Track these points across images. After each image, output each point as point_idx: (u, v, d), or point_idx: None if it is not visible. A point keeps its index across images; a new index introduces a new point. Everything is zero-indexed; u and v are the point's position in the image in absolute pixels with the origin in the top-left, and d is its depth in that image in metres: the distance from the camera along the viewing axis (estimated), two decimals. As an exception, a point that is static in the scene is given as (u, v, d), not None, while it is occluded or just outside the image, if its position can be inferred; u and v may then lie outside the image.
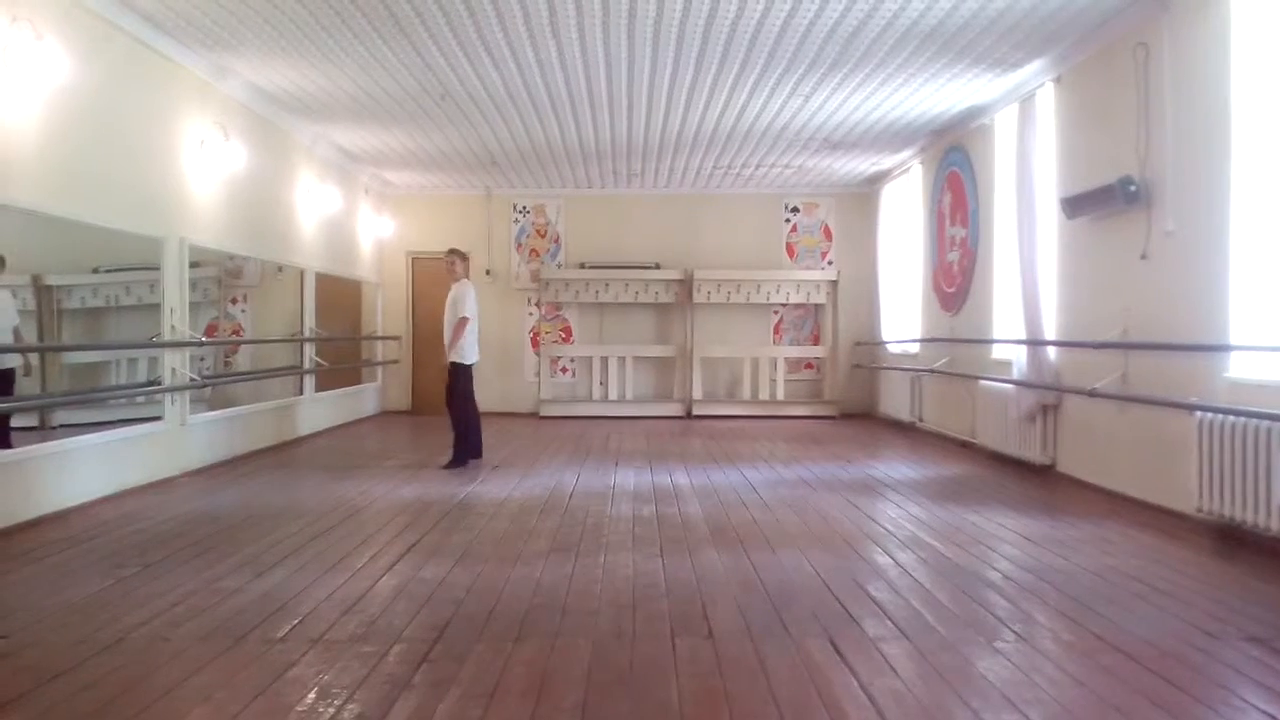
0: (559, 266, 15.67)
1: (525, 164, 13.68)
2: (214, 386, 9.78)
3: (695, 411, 15.06)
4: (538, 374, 15.64)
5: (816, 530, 6.50)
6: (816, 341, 15.72)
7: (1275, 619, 4.46)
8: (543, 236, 15.82)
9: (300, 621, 4.41)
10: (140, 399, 8.59)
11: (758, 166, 13.77)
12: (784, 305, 15.65)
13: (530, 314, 15.82)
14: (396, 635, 4.21)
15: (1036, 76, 8.95)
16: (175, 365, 8.59)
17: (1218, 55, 6.43)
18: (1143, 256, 7.29)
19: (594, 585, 5.07)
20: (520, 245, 15.78)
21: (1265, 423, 5.65)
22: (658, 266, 15.45)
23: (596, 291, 15.37)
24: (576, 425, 13.69)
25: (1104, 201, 7.62)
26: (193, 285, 8.93)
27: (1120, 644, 4.07)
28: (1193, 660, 3.91)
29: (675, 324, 15.59)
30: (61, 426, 7.51)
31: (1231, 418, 5.98)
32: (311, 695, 3.53)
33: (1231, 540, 5.99)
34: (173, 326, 8.47)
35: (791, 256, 15.80)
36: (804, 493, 8.03)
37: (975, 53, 8.54)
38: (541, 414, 15.06)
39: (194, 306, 9.00)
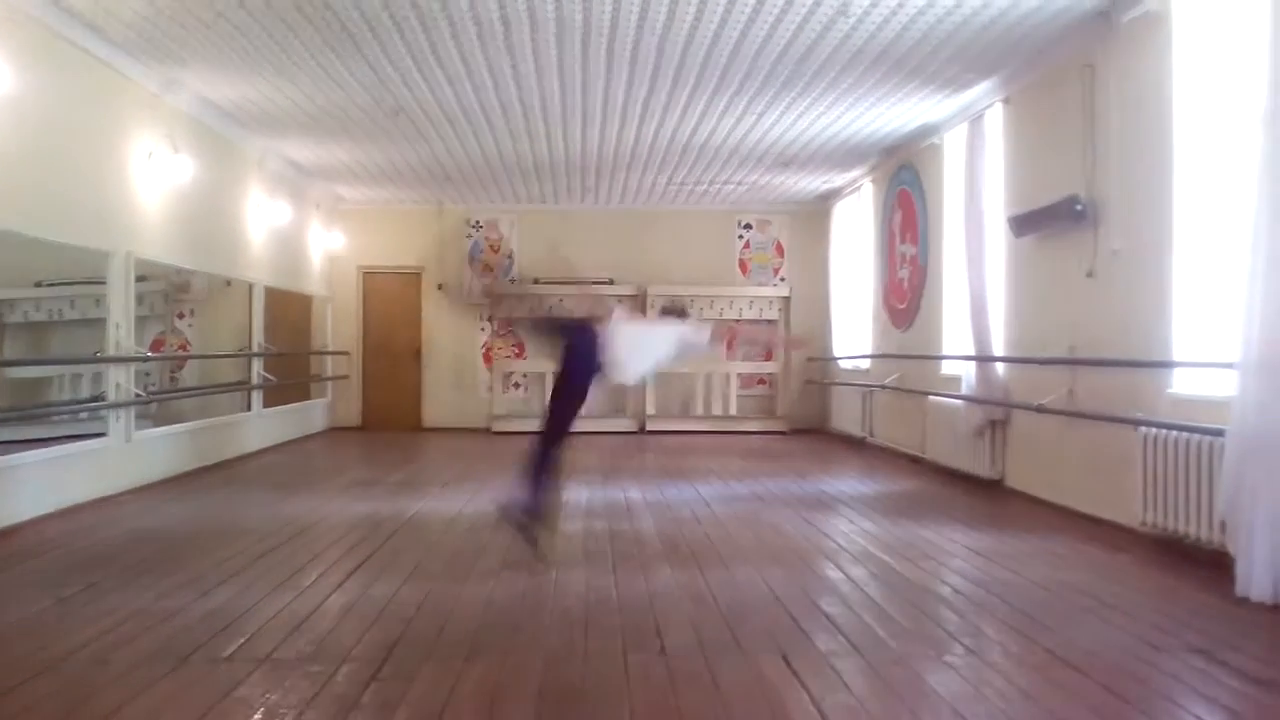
0: (512, 282, 15.61)
1: (478, 179, 13.62)
2: (160, 402, 9.64)
3: (649, 427, 15.05)
4: (490, 390, 15.55)
5: (769, 545, 6.52)
6: (769, 357, 15.79)
7: (1217, 630, 4.53)
8: (496, 252, 15.75)
9: (247, 640, 4.33)
10: (84, 415, 8.42)
11: (711, 183, 13.84)
12: (737, 321, 15.72)
13: (483, 329, 15.73)
14: (345, 654, 4.15)
15: (986, 97, 9.09)
16: (120, 380, 8.42)
17: (1161, 77, 6.57)
18: (1089, 274, 7.41)
19: (546, 602, 5.04)
20: (474, 260, 15.70)
21: (1207, 437, 5.75)
22: (611, 282, 15.44)
23: (550, 307, 15.31)
24: (529, 441, 13.55)
25: (1051, 220, 7.74)
26: (139, 299, 8.78)
27: (1068, 657, 4.11)
28: (1138, 672, 3.97)
29: (629, 339, 15.53)
30: (2, 443, 7.34)
31: (1174, 433, 6.09)
32: (258, 716, 3.47)
33: (1175, 553, 6.09)
34: (118, 341, 8.31)
35: (744, 273, 15.88)
36: (757, 508, 8.05)
37: (925, 73, 8.66)
38: (494, 430, 14.96)
39: (140, 321, 8.86)
